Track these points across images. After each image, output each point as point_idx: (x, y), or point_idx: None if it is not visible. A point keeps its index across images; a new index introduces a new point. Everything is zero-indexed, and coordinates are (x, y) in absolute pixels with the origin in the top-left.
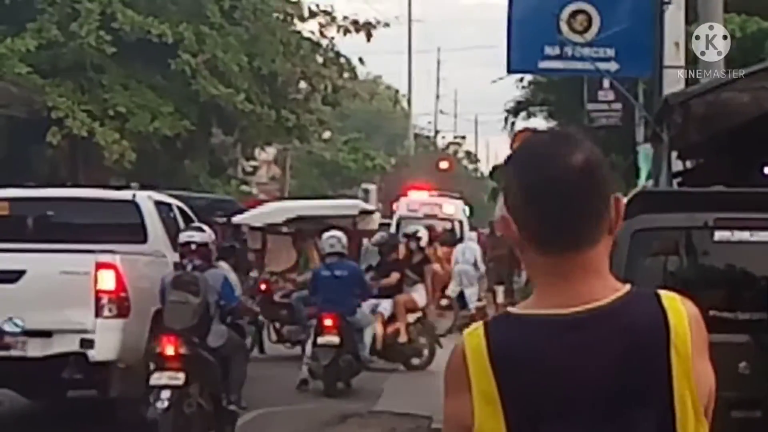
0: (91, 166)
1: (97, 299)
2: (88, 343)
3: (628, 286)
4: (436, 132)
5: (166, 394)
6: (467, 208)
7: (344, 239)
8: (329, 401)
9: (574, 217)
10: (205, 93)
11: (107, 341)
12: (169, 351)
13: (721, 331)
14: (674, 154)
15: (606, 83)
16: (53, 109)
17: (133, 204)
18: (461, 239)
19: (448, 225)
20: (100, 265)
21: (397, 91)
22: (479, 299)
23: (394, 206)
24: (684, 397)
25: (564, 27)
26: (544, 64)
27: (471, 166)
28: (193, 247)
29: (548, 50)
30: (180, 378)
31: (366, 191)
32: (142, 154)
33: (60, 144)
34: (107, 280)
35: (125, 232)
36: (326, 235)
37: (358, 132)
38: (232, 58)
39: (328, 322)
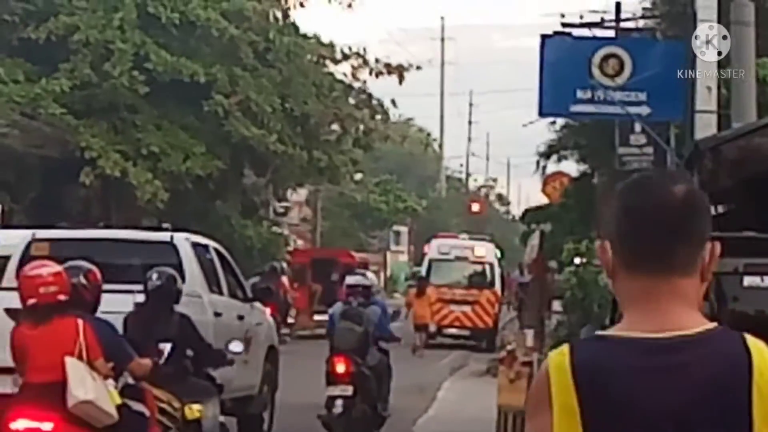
0: (124, 205)
1: None
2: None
3: (716, 324)
4: (468, 174)
5: (339, 402)
6: (498, 252)
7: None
8: None
9: (672, 240)
10: (237, 134)
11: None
12: (340, 369)
13: None
14: None
15: (638, 127)
16: (86, 150)
17: (171, 245)
18: (492, 282)
19: (479, 268)
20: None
21: (428, 134)
22: (509, 343)
23: (426, 248)
24: None
25: (596, 71)
26: (575, 108)
27: (502, 209)
28: (360, 288)
29: (580, 94)
30: (349, 390)
31: (397, 233)
32: (174, 194)
33: (93, 184)
34: None
35: None
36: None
37: (390, 174)
38: (265, 99)
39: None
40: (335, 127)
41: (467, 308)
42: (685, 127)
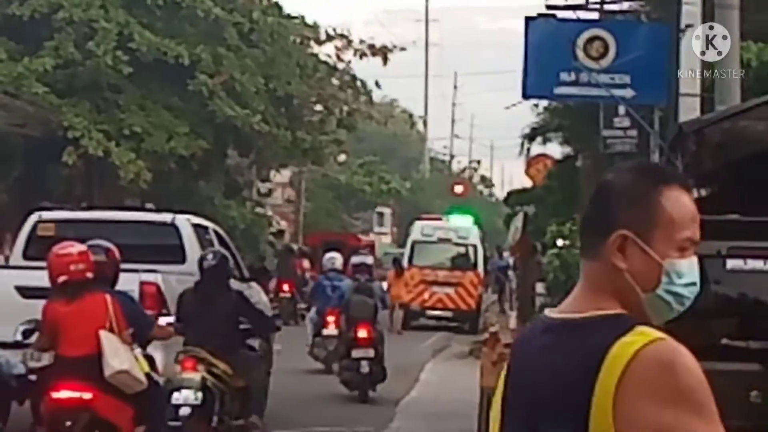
0: (107, 185)
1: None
2: None
3: (614, 312)
4: (452, 156)
5: (365, 363)
6: (478, 229)
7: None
8: (341, 425)
9: (584, 225)
10: (221, 114)
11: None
12: (363, 334)
13: (733, 359)
14: None
15: (622, 110)
16: (69, 129)
17: (173, 226)
18: (475, 264)
19: (463, 249)
20: (143, 284)
21: (411, 115)
22: (492, 324)
23: (409, 230)
24: (601, 428)
25: (580, 53)
26: (559, 90)
27: (486, 191)
28: (364, 267)
29: (564, 76)
30: (371, 353)
31: (381, 215)
32: (157, 175)
33: (76, 163)
34: (150, 298)
35: (165, 253)
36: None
37: (374, 155)
38: (249, 79)
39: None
40: (319, 108)
41: (450, 290)
42: (669, 110)
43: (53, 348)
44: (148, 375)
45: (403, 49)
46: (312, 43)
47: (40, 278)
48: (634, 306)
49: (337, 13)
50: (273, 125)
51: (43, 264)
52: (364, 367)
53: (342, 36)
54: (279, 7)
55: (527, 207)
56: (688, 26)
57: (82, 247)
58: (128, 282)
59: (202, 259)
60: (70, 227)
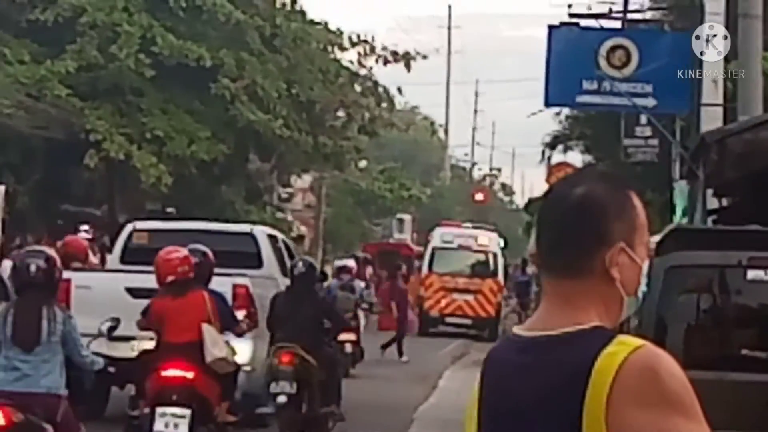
0: (128, 189)
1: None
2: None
3: (592, 324)
4: (473, 164)
5: (348, 345)
6: (501, 241)
7: None
8: (357, 430)
9: (557, 242)
10: (243, 118)
11: (241, 349)
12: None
13: (753, 370)
14: (710, 191)
15: (643, 119)
16: (91, 132)
17: (251, 236)
18: (495, 271)
19: (482, 257)
20: (236, 286)
21: (433, 122)
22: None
23: (429, 237)
24: None
25: (602, 62)
26: (581, 99)
27: (506, 199)
28: (347, 268)
29: (586, 85)
30: (353, 336)
31: (401, 221)
32: (178, 179)
33: (97, 166)
34: (241, 298)
35: (244, 260)
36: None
37: (395, 162)
38: (271, 84)
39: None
40: (341, 113)
41: (470, 297)
42: (691, 120)
43: (158, 336)
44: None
45: (425, 56)
46: (335, 49)
47: (146, 280)
48: (611, 314)
49: (361, 19)
50: (295, 130)
51: (145, 268)
52: (348, 348)
53: (365, 42)
54: (302, 13)
55: None
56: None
57: (185, 252)
58: (222, 284)
59: (293, 267)
60: (162, 236)
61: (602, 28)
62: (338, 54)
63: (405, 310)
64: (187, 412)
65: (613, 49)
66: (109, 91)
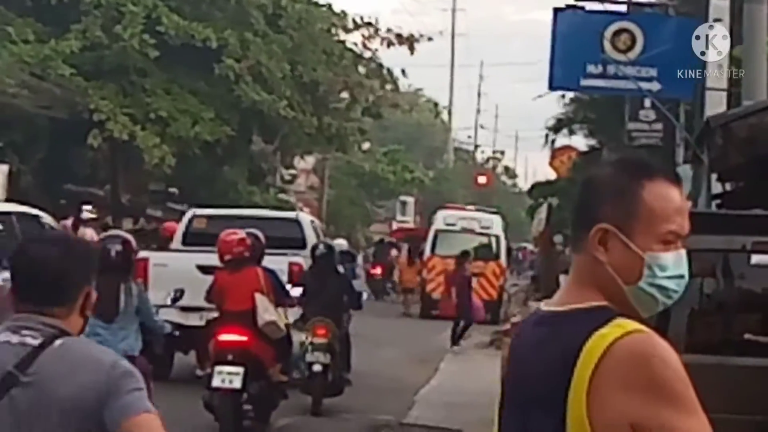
0: (131, 169)
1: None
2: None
3: (597, 304)
4: (476, 146)
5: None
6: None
7: None
8: (360, 413)
9: (572, 219)
10: (247, 99)
11: (295, 315)
12: None
13: (757, 354)
14: (714, 176)
15: (647, 103)
16: (95, 112)
17: (297, 222)
18: (497, 254)
19: (485, 239)
20: (291, 264)
21: (436, 104)
22: (514, 314)
23: (432, 219)
24: (576, 418)
25: (607, 45)
26: (586, 82)
27: (509, 182)
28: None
29: (591, 68)
30: None
31: (404, 203)
32: (181, 159)
33: (100, 146)
34: (296, 274)
35: (290, 242)
36: None
37: (398, 144)
38: (275, 65)
39: None
40: (344, 95)
41: (472, 280)
42: (696, 104)
43: (219, 306)
44: (286, 326)
45: (429, 38)
46: (339, 30)
47: (213, 259)
48: (619, 298)
49: (366, 1)
50: (298, 111)
51: (207, 249)
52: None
53: (369, 24)
54: None
55: (551, 199)
56: (716, 20)
57: (242, 233)
58: (279, 262)
59: (314, 249)
60: (218, 222)
61: (607, 12)
62: (342, 36)
63: (468, 298)
64: (241, 369)
65: (618, 32)
66: (113, 71)
